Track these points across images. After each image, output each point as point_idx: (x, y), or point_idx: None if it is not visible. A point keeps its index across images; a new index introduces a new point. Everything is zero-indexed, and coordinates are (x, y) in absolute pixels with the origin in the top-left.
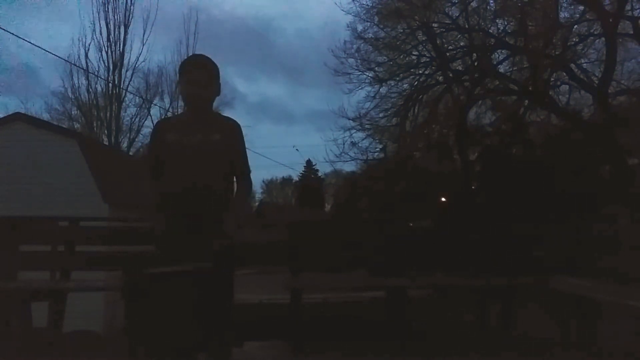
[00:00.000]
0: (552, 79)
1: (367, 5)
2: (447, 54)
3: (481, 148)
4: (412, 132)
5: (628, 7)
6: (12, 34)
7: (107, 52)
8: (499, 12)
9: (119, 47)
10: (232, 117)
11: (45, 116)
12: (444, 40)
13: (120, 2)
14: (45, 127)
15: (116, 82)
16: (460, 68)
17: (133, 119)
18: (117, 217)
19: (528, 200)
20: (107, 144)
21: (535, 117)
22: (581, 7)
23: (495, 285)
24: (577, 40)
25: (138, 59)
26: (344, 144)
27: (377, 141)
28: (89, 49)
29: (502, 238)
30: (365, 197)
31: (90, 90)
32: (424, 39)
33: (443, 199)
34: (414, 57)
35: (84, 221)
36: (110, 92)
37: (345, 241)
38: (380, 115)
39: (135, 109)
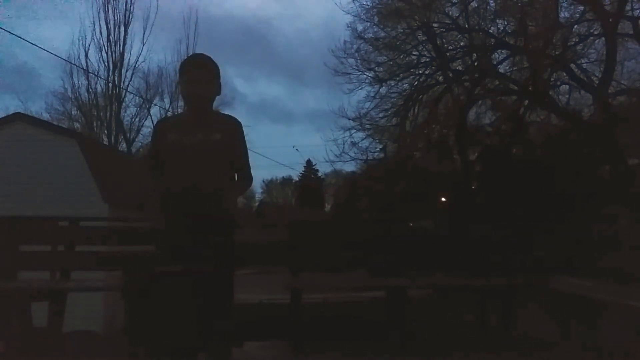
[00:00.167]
0: (552, 79)
1: (367, 5)
2: (447, 54)
3: (481, 148)
4: (412, 132)
5: (628, 7)
6: (12, 33)
7: (107, 52)
8: (499, 12)
9: (119, 47)
10: (232, 116)
11: (45, 116)
12: (444, 40)
13: (120, 2)
14: (45, 127)
15: (116, 82)
16: (460, 68)
17: (133, 119)
18: (117, 217)
19: (528, 200)
20: (107, 144)
21: (535, 117)
22: (581, 7)
23: (495, 285)
24: (577, 40)
25: (138, 59)
26: (344, 144)
27: (377, 141)
28: (89, 49)
29: (502, 238)
30: (365, 197)
31: (90, 90)
32: (424, 39)
33: (443, 199)
34: (414, 57)
35: (84, 221)
36: (110, 92)
37: (345, 241)
38: (380, 115)
39: (135, 109)
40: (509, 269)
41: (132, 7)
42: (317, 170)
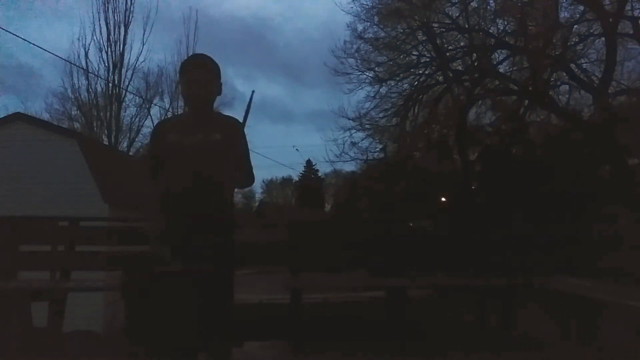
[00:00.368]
0: (552, 79)
1: (367, 5)
2: (447, 54)
3: (481, 148)
4: (412, 132)
5: (628, 7)
6: (12, 34)
7: (107, 52)
8: (499, 12)
9: (119, 47)
10: (233, 117)
11: (45, 116)
12: (444, 40)
13: (120, 2)
14: (45, 127)
15: (116, 82)
16: (460, 68)
17: (133, 119)
18: (117, 217)
19: (528, 200)
20: (107, 144)
21: (535, 117)
22: (581, 7)
23: (495, 285)
24: (577, 40)
25: (138, 59)
26: (344, 144)
27: (377, 141)
28: (89, 49)
29: (502, 238)
30: (365, 197)
31: (90, 90)
32: (424, 39)
33: (443, 199)
34: (414, 57)
35: (84, 221)
36: (110, 92)
37: (345, 241)
38: (380, 115)
39: (135, 109)
40: (509, 269)
41: (132, 7)
42: (317, 170)
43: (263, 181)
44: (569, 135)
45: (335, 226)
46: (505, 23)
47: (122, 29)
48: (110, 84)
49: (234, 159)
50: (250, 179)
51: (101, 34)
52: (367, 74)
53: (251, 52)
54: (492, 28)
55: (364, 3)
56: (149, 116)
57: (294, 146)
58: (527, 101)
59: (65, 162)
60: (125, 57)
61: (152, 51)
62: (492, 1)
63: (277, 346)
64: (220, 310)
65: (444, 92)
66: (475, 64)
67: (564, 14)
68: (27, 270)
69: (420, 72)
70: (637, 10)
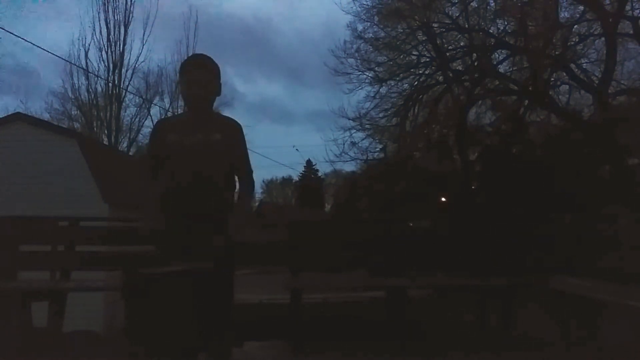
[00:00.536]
0: (552, 79)
1: (367, 5)
2: (447, 54)
3: (481, 148)
4: (412, 132)
5: (628, 7)
6: (12, 34)
7: (107, 52)
8: (499, 12)
9: (119, 47)
10: (232, 117)
11: (45, 116)
12: (444, 40)
13: (120, 2)
14: (45, 127)
15: (116, 82)
16: (460, 68)
17: (133, 119)
18: (117, 217)
19: (528, 200)
20: (107, 144)
21: (535, 117)
22: (581, 7)
23: (495, 285)
24: (577, 40)
25: (138, 59)
26: (344, 144)
27: (377, 141)
28: (89, 49)
29: (502, 238)
30: (365, 197)
31: (90, 90)
32: (424, 39)
33: (443, 199)
34: (414, 57)
35: (84, 221)
36: (110, 92)
37: (345, 241)
38: (380, 115)
39: (135, 109)
40: (509, 269)
41: (132, 7)
42: (317, 170)
43: (263, 181)
44: (569, 135)
45: (335, 226)
46: (505, 23)
47: (122, 29)
48: (110, 84)
49: (234, 159)
50: (251, 181)
51: (101, 34)
52: (367, 74)
53: (251, 52)
54: (492, 28)
55: (364, 3)
56: (149, 116)
57: (294, 146)
58: (527, 101)
59: (65, 162)
60: (125, 57)
61: (152, 51)
62: (492, 1)
63: (277, 346)
64: (221, 310)
65: (444, 92)
66: (475, 64)
67: (564, 14)
68: (27, 270)
69: (420, 72)
70: (637, 10)
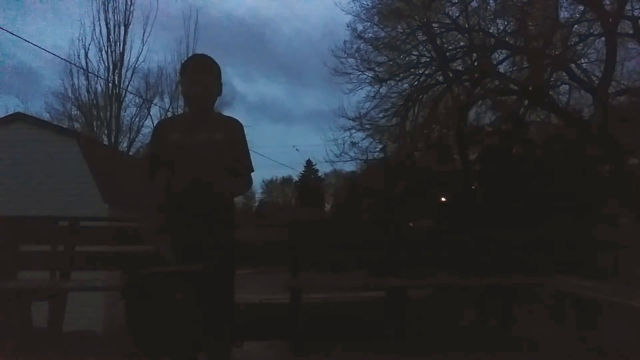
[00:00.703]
0: (552, 79)
1: (367, 5)
2: (447, 54)
3: (481, 148)
4: (412, 132)
5: (628, 7)
6: (12, 34)
7: (107, 52)
8: (499, 12)
9: (119, 47)
10: (234, 117)
11: (45, 116)
12: (444, 40)
13: (120, 2)
14: (45, 127)
15: (116, 82)
16: (460, 68)
17: (133, 119)
18: (117, 217)
19: (528, 200)
20: (107, 144)
21: (535, 117)
22: (581, 7)
23: (495, 285)
24: (577, 40)
25: (138, 59)
26: (344, 144)
27: (377, 141)
28: (89, 49)
29: (502, 238)
30: (365, 197)
31: (90, 90)
32: (424, 39)
33: (443, 199)
34: (414, 57)
35: (84, 221)
36: (110, 92)
37: (345, 241)
38: (380, 115)
39: (135, 109)
40: (509, 269)
41: (132, 7)
42: (317, 170)
43: (263, 181)
44: (569, 135)
45: (335, 226)
46: (505, 23)
47: (122, 29)
48: (110, 84)
49: (236, 158)
50: (250, 181)
51: (101, 34)
52: (367, 74)
53: (251, 52)
54: (492, 28)
55: (364, 3)
56: (149, 116)
57: (294, 146)
58: (527, 101)
59: (65, 162)
60: (125, 57)
61: (152, 51)
62: (492, 1)
63: (277, 346)
64: (221, 310)
65: (444, 92)
66: (475, 64)
67: (564, 14)
68: (27, 270)
69: (420, 72)
70: (637, 10)
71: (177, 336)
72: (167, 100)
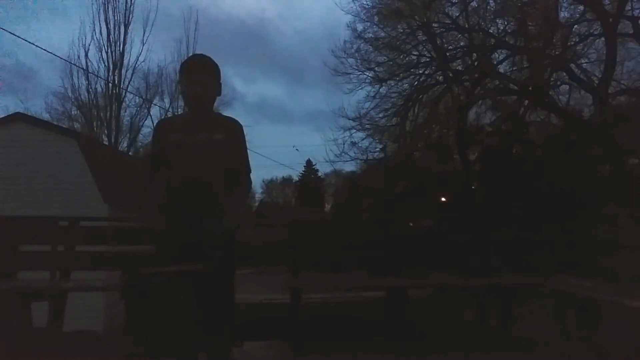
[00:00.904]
0: (552, 79)
1: (367, 5)
2: (447, 54)
3: (481, 148)
4: (412, 132)
5: (628, 7)
6: (12, 34)
7: (107, 52)
8: (499, 12)
9: (119, 47)
10: (233, 117)
11: (45, 116)
12: (444, 40)
13: (120, 2)
14: (45, 127)
15: (116, 82)
16: (460, 68)
17: (133, 119)
18: (117, 217)
19: (528, 200)
20: (107, 144)
21: (535, 117)
22: (581, 7)
23: (495, 285)
24: (577, 40)
25: (138, 59)
26: (344, 144)
27: (377, 141)
28: (89, 49)
29: (502, 238)
30: (365, 197)
31: (90, 90)
32: (424, 39)
33: (443, 199)
34: (414, 57)
35: (84, 221)
36: (110, 92)
37: (345, 241)
38: (380, 115)
39: (135, 109)
40: (509, 269)
41: (132, 7)
42: (317, 170)
43: (263, 181)
44: (569, 135)
45: (335, 226)
46: (505, 23)
47: (122, 29)
48: (110, 84)
49: (235, 159)
50: (249, 180)
51: (101, 34)
52: (367, 74)
53: (251, 52)
54: (492, 28)
55: (364, 3)
56: (149, 116)
57: (294, 146)
58: (527, 101)
59: (65, 162)
60: (125, 57)
61: (152, 51)
62: (492, 1)
63: (277, 346)
64: (221, 310)
65: (444, 92)
66: (475, 64)
67: (564, 14)
68: (27, 270)
69: (420, 72)
70: (637, 10)
71: (177, 336)
72: (167, 100)
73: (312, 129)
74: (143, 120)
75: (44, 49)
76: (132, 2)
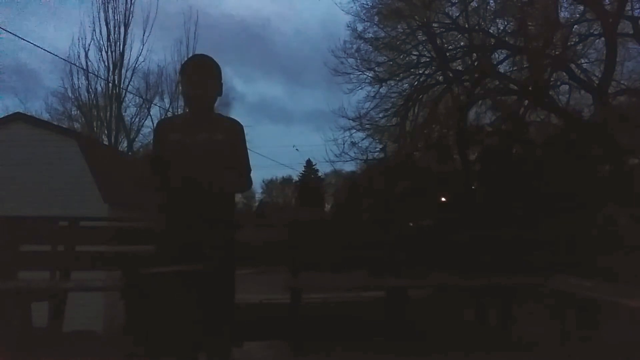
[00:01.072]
0: (552, 79)
1: (367, 5)
2: (447, 54)
3: (481, 148)
4: (412, 132)
5: (628, 7)
6: (12, 33)
7: (107, 52)
8: (499, 12)
9: (119, 47)
10: (234, 118)
11: (45, 116)
12: (444, 40)
13: (120, 2)
14: (45, 127)
15: (116, 82)
16: (460, 68)
17: (133, 119)
18: (117, 217)
19: (528, 200)
20: (107, 144)
21: (535, 117)
22: (581, 7)
23: (495, 285)
24: (577, 40)
25: (138, 59)
26: (344, 144)
27: (377, 141)
28: (89, 49)
29: (502, 238)
30: (365, 197)
31: (90, 90)
32: (424, 39)
33: (443, 199)
34: (414, 57)
35: (84, 221)
36: (110, 92)
37: (345, 241)
38: (380, 115)
39: (135, 109)
40: (509, 269)
41: (132, 7)
42: (317, 170)
43: (263, 181)
44: (569, 135)
45: (335, 226)
46: (505, 23)
47: (122, 29)
48: (110, 84)
49: (236, 159)
50: (249, 181)
51: (101, 34)
52: (367, 74)
53: (251, 52)
54: (492, 28)
55: (364, 3)
56: (149, 116)
57: (294, 146)
58: (527, 101)
59: (65, 162)
60: (125, 57)
61: (152, 51)
62: (492, 1)
63: (277, 346)
64: (221, 310)
65: (444, 92)
66: (475, 64)
67: (564, 14)
68: (27, 270)
69: (420, 72)
70: (637, 10)
71: (177, 336)
72: (167, 100)
73: (312, 129)
74: (143, 120)
75: (44, 49)
76: (132, 2)
